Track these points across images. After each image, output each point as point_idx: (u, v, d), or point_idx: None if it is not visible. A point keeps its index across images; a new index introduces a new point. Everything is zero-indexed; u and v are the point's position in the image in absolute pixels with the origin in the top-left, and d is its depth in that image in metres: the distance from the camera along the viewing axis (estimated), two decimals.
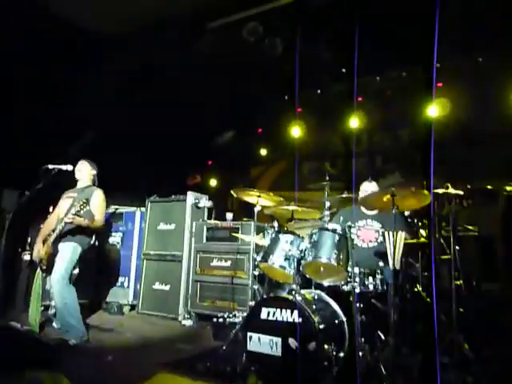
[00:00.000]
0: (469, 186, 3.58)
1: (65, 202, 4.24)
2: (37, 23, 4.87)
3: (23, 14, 4.77)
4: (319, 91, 6.76)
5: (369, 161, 5.67)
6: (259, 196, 3.83)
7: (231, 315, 4.37)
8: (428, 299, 3.54)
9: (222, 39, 5.49)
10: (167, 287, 5.51)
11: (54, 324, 4.28)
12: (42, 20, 4.87)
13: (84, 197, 4.01)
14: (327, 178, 3.97)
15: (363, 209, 4.02)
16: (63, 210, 4.12)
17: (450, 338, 3.20)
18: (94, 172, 4.48)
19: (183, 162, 7.31)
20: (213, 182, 8.00)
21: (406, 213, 3.86)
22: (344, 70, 5.83)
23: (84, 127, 6.44)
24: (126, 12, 5.04)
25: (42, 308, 4.27)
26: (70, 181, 4.44)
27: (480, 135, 4.94)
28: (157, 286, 5.59)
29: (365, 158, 5.63)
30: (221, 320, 4.34)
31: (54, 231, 4.00)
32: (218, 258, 5.21)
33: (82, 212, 3.81)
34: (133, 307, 5.77)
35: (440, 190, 3.42)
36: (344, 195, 3.78)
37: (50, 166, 4.05)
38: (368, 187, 4.10)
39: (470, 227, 4.50)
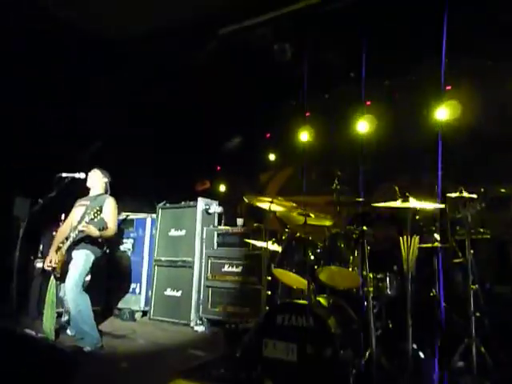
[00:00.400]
0: (482, 189, 3.56)
1: (78, 210, 4.27)
2: (37, 23, 4.88)
3: (23, 14, 4.78)
4: (327, 96, 6.77)
5: (379, 164, 5.65)
6: (271, 202, 3.83)
7: (243, 321, 4.37)
8: (445, 303, 3.52)
9: (231, 44, 5.52)
10: (179, 293, 5.52)
11: (68, 331, 4.31)
12: (42, 20, 4.89)
13: (97, 205, 4.03)
14: (337, 182, 3.97)
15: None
16: (76, 218, 4.15)
17: (466, 342, 3.16)
18: (106, 180, 4.51)
19: (192, 168, 7.33)
20: (222, 188, 8.00)
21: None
22: (352, 74, 5.84)
23: (93, 132, 6.47)
24: (128, 12, 5.05)
25: (56, 315, 4.29)
26: (81, 189, 4.48)
27: (494, 138, 4.91)
28: (168, 292, 5.60)
29: (375, 162, 5.61)
30: (233, 326, 4.34)
31: (67, 239, 4.03)
32: (230, 264, 5.22)
33: (95, 220, 3.84)
34: (144, 313, 5.79)
35: (453, 194, 3.39)
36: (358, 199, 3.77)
37: (64, 175, 4.09)
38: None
39: (482, 230, 4.47)
